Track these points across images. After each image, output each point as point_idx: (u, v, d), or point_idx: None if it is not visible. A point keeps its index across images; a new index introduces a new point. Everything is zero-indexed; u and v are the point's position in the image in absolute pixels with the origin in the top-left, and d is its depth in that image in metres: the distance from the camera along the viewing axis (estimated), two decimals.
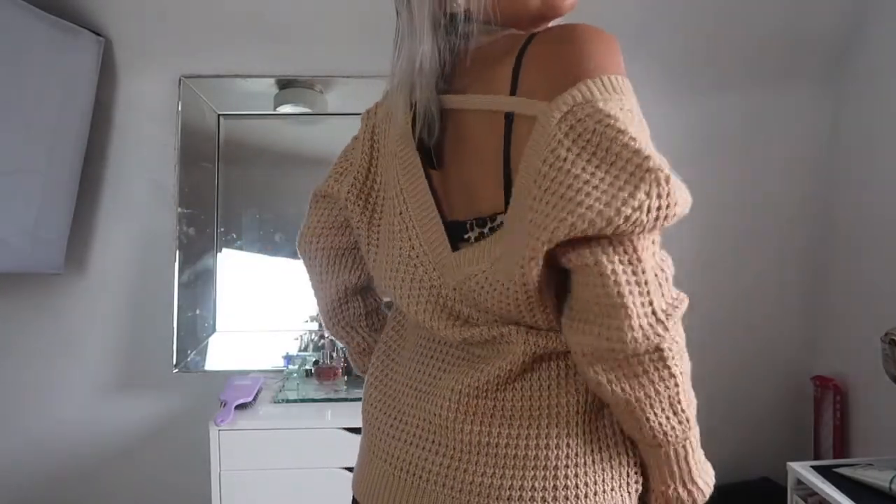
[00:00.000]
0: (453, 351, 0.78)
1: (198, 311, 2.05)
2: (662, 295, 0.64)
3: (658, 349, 0.66)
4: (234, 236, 2.10)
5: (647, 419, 0.69)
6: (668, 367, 0.69)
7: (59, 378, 2.12)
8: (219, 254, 2.07)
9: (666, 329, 0.65)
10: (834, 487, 1.51)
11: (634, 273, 0.62)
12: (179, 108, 2.03)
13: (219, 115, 2.07)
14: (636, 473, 0.77)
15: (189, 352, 2.03)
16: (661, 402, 0.69)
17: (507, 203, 0.70)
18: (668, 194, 0.63)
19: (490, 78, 0.71)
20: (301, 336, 2.05)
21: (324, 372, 1.91)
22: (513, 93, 0.69)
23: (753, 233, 2.19)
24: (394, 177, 0.83)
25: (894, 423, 1.82)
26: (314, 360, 1.97)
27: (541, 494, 0.69)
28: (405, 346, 0.86)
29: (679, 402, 0.72)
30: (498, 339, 0.73)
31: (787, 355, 2.22)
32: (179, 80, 2.04)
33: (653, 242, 0.64)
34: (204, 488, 1.69)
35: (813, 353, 2.17)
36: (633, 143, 0.64)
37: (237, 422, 1.68)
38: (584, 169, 0.61)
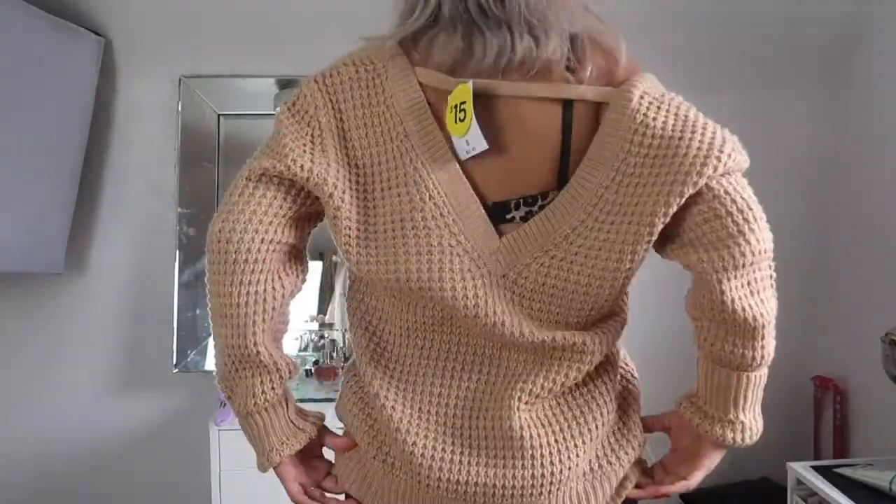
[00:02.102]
0: (514, 355, 0.80)
1: (198, 311, 2.05)
2: (762, 214, 0.77)
3: (771, 257, 0.79)
4: None
5: (763, 336, 0.78)
6: (773, 276, 0.81)
7: (59, 378, 2.12)
8: None
9: (769, 240, 0.77)
10: (834, 487, 1.51)
11: (748, 196, 0.77)
12: (179, 108, 2.03)
13: (219, 115, 2.07)
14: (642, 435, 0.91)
15: (189, 352, 2.03)
16: (771, 319, 0.79)
17: (560, 181, 0.78)
18: (734, 141, 0.80)
19: (547, 70, 0.76)
20: (301, 336, 2.06)
21: (324, 372, 1.91)
22: (570, 83, 0.77)
23: None
24: (407, 159, 0.78)
25: (894, 423, 1.82)
26: (314, 360, 1.97)
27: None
28: (404, 356, 0.83)
29: (773, 328, 0.81)
30: (578, 347, 0.78)
31: (787, 355, 2.22)
32: (179, 80, 2.04)
33: (746, 182, 0.79)
34: (204, 488, 1.69)
35: (813, 353, 2.17)
36: (697, 111, 0.81)
37: (237, 422, 1.68)
38: (678, 128, 0.77)
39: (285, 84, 2.05)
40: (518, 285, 0.78)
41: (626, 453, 0.85)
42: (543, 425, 0.78)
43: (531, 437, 0.77)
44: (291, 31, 1.99)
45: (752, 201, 0.76)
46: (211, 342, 2.05)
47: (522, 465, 0.76)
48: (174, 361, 2.02)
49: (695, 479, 0.90)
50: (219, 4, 1.94)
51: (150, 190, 2.08)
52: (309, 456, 0.89)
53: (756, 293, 0.77)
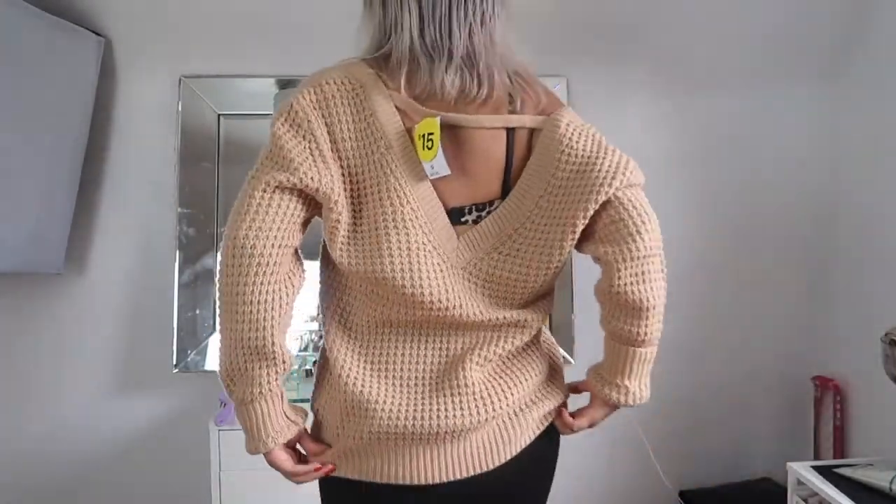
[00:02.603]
0: (463, 334, 0.98)
1: (198, 311, 2.05)
2: (656, 220, 0.98)
3: (661, 252, 0.98)
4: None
5: (649, 318, 0.97)
6: (663, 270, 0.99)
7: (59, 378, 2.12)
8: (219, 254, 2.06)
9: (659, 240, 0.98)
10: (834, 487, 1.51)
11: (643, 205, 0.97)
12: (179, 108, 2.04)
13: (219, 115, 2.07)
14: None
15: (189, 352, 2.03)
16: (656, 304, 0.97)
17: (503, 191, 0.98)
18: (635, 163, 0.99)
19: (494, 104, 0.97)
20: (301, 336, 2.06)
21: None
22: (512, 113, 0.97)
23: (753, 233, 2.19)
24: (390, 171, 0.93)
25: (894, 423, 1.82)
26: (314, 360, 1.97)
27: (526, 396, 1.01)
28: (377, 343, 0.98)
29: (661, 313, 0.99)
30: (521, 323, 0.99)
31: (787, 355, 2.22)
32: (179, 80, 2.04)
33: (643, 194, 0.99)
34: (204, 488, 1.69)
35: (813, 353, 2.17)
36: (604, 138, 1.00)
37: (237, 422, 1.68)
38: (594, 151, 0.96)
39: (285, 84, 2.05)
40: (473, 275, 0.97)
41: (549, 400, 1.04)
42: (489, 379, 0.98)
43: (479, 388, 0.96)
44: (291, 31, 2.00)
45: (646, 209, 0.97)
46: (211, 342, 2.05)
47: (470, 410, 0.94)
48: (174, 361, 2.02)
49: (579, 426, 1.09)
50: (219, 4, 1.94)
51: (150, 190, 2.08)
52: (291, 446, 1.01)
53: (646, 282, 0.95)
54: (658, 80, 2.13)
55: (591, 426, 1.09)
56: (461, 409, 0.94)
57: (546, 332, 1.11)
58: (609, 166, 0.94)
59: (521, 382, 0.99)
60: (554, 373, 1.08)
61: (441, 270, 0.94)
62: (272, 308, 0.90)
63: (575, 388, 1.12)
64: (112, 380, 2.13)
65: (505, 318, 0.97)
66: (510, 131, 0.97)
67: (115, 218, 2.09)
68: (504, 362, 1.00)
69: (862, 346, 1.88)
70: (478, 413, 0.94)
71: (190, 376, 2.06)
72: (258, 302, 0.89)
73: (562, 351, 2.09)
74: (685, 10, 1.99)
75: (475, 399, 0.94)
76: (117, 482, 2.16)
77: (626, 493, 2.24)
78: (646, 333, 0.98)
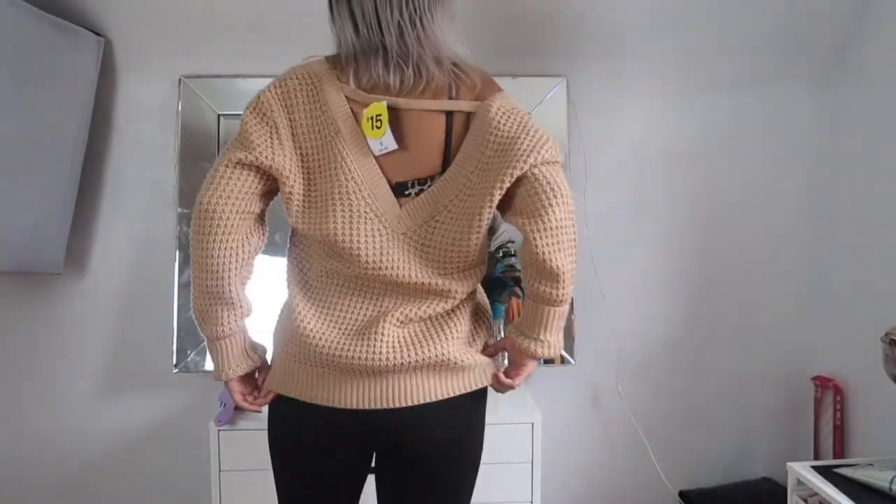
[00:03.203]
0: (394, 292, 1.15)
1: None
2: (568, 195, 1.10)
3: (573, 224, 1.11)
4: None
5: (563, 282, 1.11)
6: (575, 240, 1.11)
7: (59, 378, 2.12)
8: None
9: (574, 214, 1.11)
10: (834, 487, 1.51)
11: (557, 182, 1.09)
12: (179, 108, 2.04)
13: (219, 115, 2.07)
14: (490, 335, 1.26)
15: (189, 352, 2.03)
16: (567, 270, 1.10)
17: (443, 167, 1.13)
18: (558, 146, 1.11)
19: (434, 90, 1.12)
20: None
21: None
22: (450, 99, 1.13)
23: (753, 232, 2.19)
24: (338, 150, 1.11)
25: (894, 423, 1.82)
26: None
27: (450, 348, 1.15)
28: (324, 290, 1.17)
29: (574, 275, 1.13)
30: (443, 289, 1.14)
31: (787, 355, 2.22)
32: (179, 80, 2.04)
33: (559, 170, 1.11)
34: (204, 488, 1.69)
35: (813, 353, 2.17)
36: (533, 121, 1.12)
37: (237, 422, 1.68)
38: (517, 132, 1.09)
39: None
40: (412, 241, 1.13)
41: (473, 357, 1.17)
42: (405, 335, 1.13)
43: (392, 340, 1.11)
44: (291, 31, 1.99)
45: (558, 185, 1.09)
46: None
47: (383, 355, 1.10)
48: (174, 361, 2.02)
49: (518, 381, 1.23)
50: (219, 4, 1.94)
51: (150, 190, 2.08)
52: (250, 376, 1.25)
53: (559, 251, 1.09)
54: (658, 80, 2.13)
55: (524, 379, 1.24)
56: (376, 352, 1.10)
57: (481, 303, 1.25)
58: (527, 145, 1.07)
59: (436, 343, 1.13)
60: (477, 337, 1.22)
61: (380, 235, 1.12)
62: (230, 261, 1.12)
63: (499, 348, 1.25)
64: (112, 380, 2.13)
65: (433, 283, 1.13)
66: (449, 115, 1.12)
67: (115, 218, 2.09)
68: (425, 323, 1.16)
69: (862, 346, 1.88)
70: (389, 359, 1.10)
71: (190, 376, 2.07)
72: (218, 256, 1.11)
73: (562, 351, 2.10)
74: (685, 10, 1.99)
75: (388, 348, 1.11)
76: (117, 482, 2.16)
77: (626, 493, 2.24)
78: (560, 295, 1.12)
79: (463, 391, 1.17)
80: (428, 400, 1.14)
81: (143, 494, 2.17)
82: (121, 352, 2.12)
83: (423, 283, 1.13)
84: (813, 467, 1.63)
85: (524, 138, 1.08)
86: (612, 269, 2.15)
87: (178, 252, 2.03)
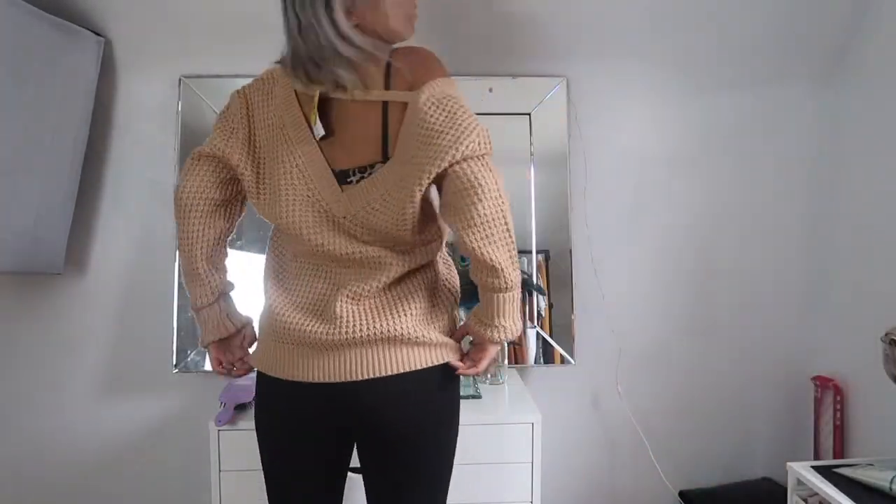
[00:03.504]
0: (343, 269, 1.22)
1: None
2: (498, 187, 1.11)
3: (503, 215, 1.11)
4: (234, 236, 2.09)
5: (502, 271, 1.12)
6: (508, 230, 1.12)
7: (59, 378, 2.12)
8: None
9: (505, 203, 1.11)
10: (834, 487, 1.51)
11: (480, 177, 1.09)
12: (179, 108, 2.04)
13: None
14: (454, 318, 1.30)
15: (189, 352, 2.03)
16: (503, 261, 1.12)
17: (384, 156, 1.17)
18: (487, 136, 1.11)
19: (368, 81, 1.16)
20: None
21: None
22: (387, 89, 1.16)
23: (753, 232, 2.19)
24: (283, 141, 1.21)
25: (894, 423, 1.82)
26: None
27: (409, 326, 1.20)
28: (292, 273, 1.27)
29: (515, 262, 1.15)
30: (378, 259, 1.19)
31: (787, 355, 2.22)
32: (179, 80, 2.04)
33: (486, 162, 1.10)
34: (204, 488, 1.69)
35: (813, 353, 2.17)
36: (465, 108, 1.12)
37: (237, 422, 1.68)
38: (442, 124, 1.08)
39: None
40: (352, 223, 1.19)
41: (431, 335, 1.20)
42: (360, 312, 1.19)
43: (345, 315, 1.17)
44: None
45: (481, 181, 1.08)
46: None
47: (339, 331, 1.16)
48: (174, 361, 2.02)
49: (482, 365, 1.26)
50: (219, 4, 1.94)
51: (150, 190, 2.08)
52: (232, 344, 1.38)
53: (490, 244, 1.10)
54: (658, 80, 2.13)
55: (488, 363, 1.26)
56: (333, 327, 1.17)
57: (444, 285, 1.28)
58: (448, 140, 1.07)
59: (390, 318, 1.18)
60: (437, 317, 1.25)
61: (321, 217, 1.19)
62: (195, 242, 1.27)
63: (461, 333, 1.29)
64: (112, 380, 2.13)
65: (363, 252, 1.19)
66: (385, 105, 1.16)
67: (115, 218, 2.09)
68: (378, 298, 1.20)
69: (862, 346, 1.88)
70: (344, 333, 1.16)
71: (190, 376, 2.07)
72: (186, 237, 1.27)
73: (562, 351, 2.10)
74: (685, 10, 1.99)
75: (344, 322, 1.17)
76: (117, 482, 2.16)
77: (626, 493, 2.24)
78: (504, 283, 1.14)
79: (419, 366, 1.19)
80: (383, 373, 1.17)
81: (142, 494, 2.17)
82: (121, 352, 2.12)
83: (365, 259, 1.19)
84: (813, 467, 1.63)
85: (448, 132, 1.07)
86: (612, 269, 2.15)
87: (178, 252, 2.03)
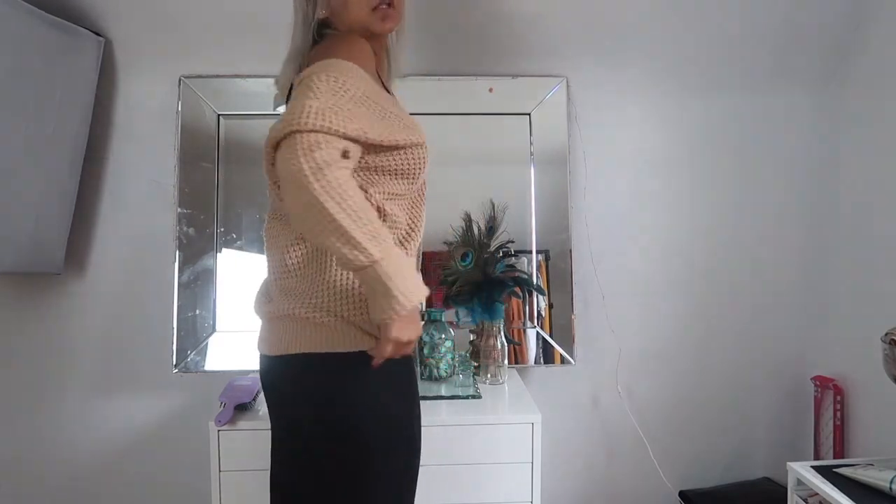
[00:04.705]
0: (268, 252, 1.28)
1: (198, 311, 2.05)
2: (295, 177, 0.99)
3: (315, 200, 0.98)
4: (234, 236, 2.10)
5: (337, 251, 1.01)
6: (322, 214, 0.99)
7: (59, 378, 2.12)
8: (219, 254, 2.07)
9: (314, 186, 0.98)
10: (834, 487, 1.51)
11: (284, 168, 1.00)
12: (179, 108, 2.04)
13: (219, 115, 2.07)
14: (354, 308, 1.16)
15: (189, 352, 2.03)
16: (335, 240, 1.00)
17: None
18: (308, 111, 1.01)
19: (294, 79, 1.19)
20: None
21: None
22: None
23: (753, 232, 2.19)
24: None
25: (894, 423, 1.82)
26: None
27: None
28: None
29: (345, 231, 1.00)
30: (270, 257, 1.25)
31: (787, 355, 2.22)
32: (179, 80, 2.04)
33: (291, 144, 1.01)
34: (204, 488, 1.69)
35: (813, 353, 2.17)
36: (309, 87, 1.05)
37: (237, 422, 1.67)
38: (296, 99, 1.04)
39: None
40: (273, 218, 1.26)
41: (319, 316, 1.13)
42: (261, 291, 1.28)
43: (257, 296, 1.28)
44: (291, 33, 1.99)
45: (283, 172, 1.01)
46: (210, 342, 2.06)
47: (253, 306, 1.28)
48: (174, 361, 2.02)
49: (380, 347, 1.09)
50: (219, 4, 1.94)
51: (149, 190, 2.08)
52: None
53: (315, 235, 1.02)
54: (658, 81, 2.13)
55: (386, 345, 1.11)
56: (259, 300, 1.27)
57: (335, 277, 1.16)
58: (269, 132, 1.04)
59: (278, 298, 1.20)
60: (328, 301, 1.15)
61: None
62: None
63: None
64: (112, 380, 2.13)
65: (268, 245, 1.26)
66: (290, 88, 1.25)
67: (115, 218, 2.09)
68: (273, 282, 1.24)
69: (862, 346, 1.88)
70: (254, 308, 1.27)
71: (190, 376, 2.06)
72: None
73: (562, 351, 2.10)
74: (685, 10, 1.99)
75: (255, 298, 1.28)
76: (117, 482, 2.16)
77: (626, 493, 2.24)
78: (348, 260, 1.02)
79: (306, 350, 1.13)
80: (271, 352, 1.18)
81: (142, 494, 2.17)
82: (121, 352, 2.12)
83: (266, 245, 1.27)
84: (813, 467, 1.63)
85: (276, 124, 1.03)
86: (612, 269, 2.15)
87: (178, 252, 2.03)
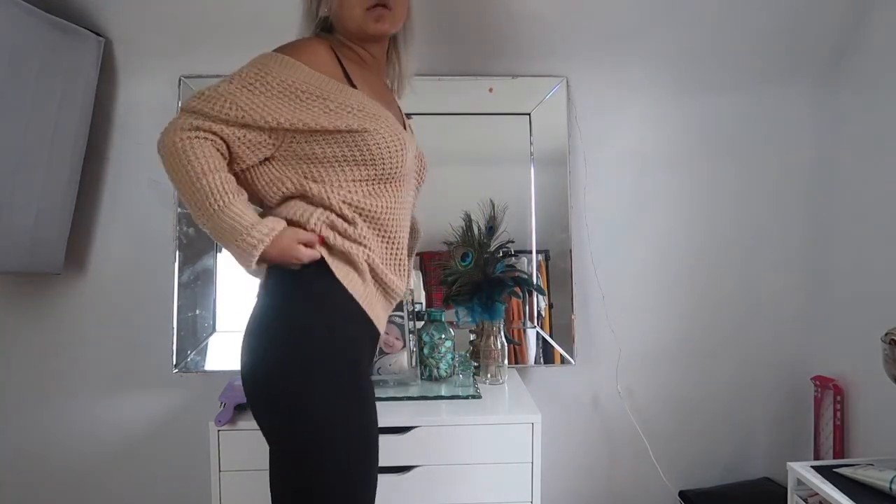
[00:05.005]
0: None
1: (198, 311, 2.05)
2: (161, 143, 1.25)
3: (167, 156, 1.23)
4: None
5: (195, 218, 1.23)
6: (178, 163, 1.21)
7: (60, 378, 2.12)
8: (219, 254, 2.07)
9: (172, 155, 1.22)
10: (834, 487, 1.51)
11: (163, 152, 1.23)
12: (179, 108, 2.03)
13: None
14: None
15: (189, 352, 2.03)
16: (188, 201, 1.20)
17: None
18: (210, 97, 1.23)
19: None
20: None
21: None
22: None
23: (753, 232, 2.19)
24: None
25: (894, 423, 1.82)
26: None
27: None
28: None
29: (197, 198, 1.18)
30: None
31: (788, 355, 2.22)
32: (179, 80, 2.04)
33: (174, 120, 1.24)
34: (204, 488, 1.69)
35: (813, 353, 2.17)
36: (230, 76, 1.26)
37: (237, 422, 1.67)
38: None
39: None
40: None
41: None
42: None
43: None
44: (291, 32, 1.99)
45: (163, 158, 1.23)
46: (210, 342, 2.06)
47: None
48: (174, 361, 2.02)
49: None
50: (219, 4, 1.94)
51: (149, 190, 2.08)
52: None
53: (175, 184, 1.21)
54: (658, 81, 2.13)
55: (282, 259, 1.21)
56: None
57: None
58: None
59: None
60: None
61: None
62: None
63: None
64: (112, 380, 2.13)
65: None
66: None
67: (115, 218, 2.09)
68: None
69: (862, 346, 1.88)
70: None
71: (190, 376, 2.06)
72: None
73: (562, 351, 2.10)
74: (685, 10, 1.99)
75: None
76: (117, 482, 2.16)
77: (626, 493, 2.24)
78: (198, 211, 1.20)
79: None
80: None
81: (143, 494, 2.17)
82: (120, 352, 2.12)
83: None
84: (813, 467, 1.62)
85: None
86: (612, 269, 2.15)
87: (178, 252, 2.03)
